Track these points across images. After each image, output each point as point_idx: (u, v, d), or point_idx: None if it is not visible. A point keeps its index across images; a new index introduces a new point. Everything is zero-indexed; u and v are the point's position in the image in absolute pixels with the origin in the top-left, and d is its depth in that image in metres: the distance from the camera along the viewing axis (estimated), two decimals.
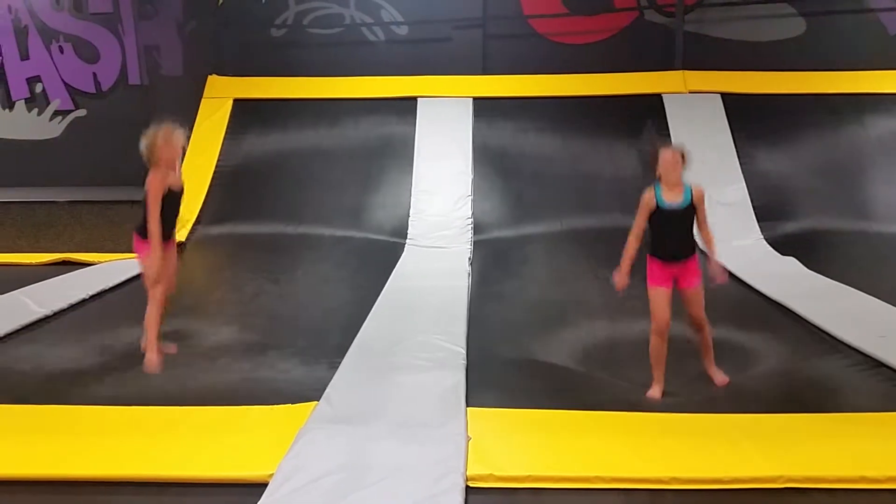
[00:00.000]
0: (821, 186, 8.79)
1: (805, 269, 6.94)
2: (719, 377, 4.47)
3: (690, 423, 3.73)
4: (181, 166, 4.69)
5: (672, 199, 4.28)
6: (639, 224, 4.37)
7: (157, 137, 4.44)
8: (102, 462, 3.34)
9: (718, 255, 4.41)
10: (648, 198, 4.32)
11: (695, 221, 4.34)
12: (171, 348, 4.96)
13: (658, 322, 4.34)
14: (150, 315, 4.69)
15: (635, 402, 4.11)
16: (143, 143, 4.47)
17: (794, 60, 10.01)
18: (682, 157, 4.29)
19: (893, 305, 5.54)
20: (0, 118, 10.26)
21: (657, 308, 4.34)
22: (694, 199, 4.29)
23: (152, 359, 4.66)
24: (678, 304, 4.37)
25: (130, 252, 8.09)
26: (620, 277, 4.36)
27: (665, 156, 4.29)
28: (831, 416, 3.78)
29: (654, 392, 4.33)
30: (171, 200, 4.58)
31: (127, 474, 3.27)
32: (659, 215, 4.29)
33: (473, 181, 9.04)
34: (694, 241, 4.36)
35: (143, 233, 4.62)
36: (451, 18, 10.41)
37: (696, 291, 4.36)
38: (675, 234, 4.32)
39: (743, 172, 8.81)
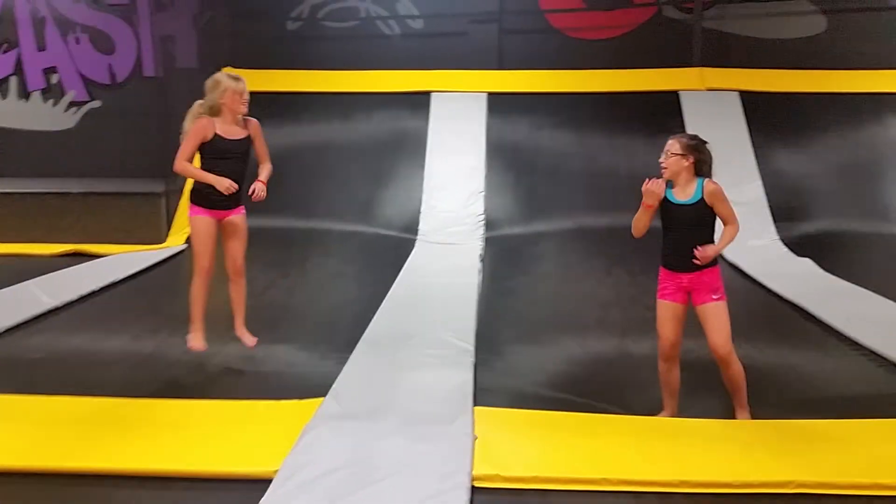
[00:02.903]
0: (838, 187, 8.67)
1: (821, 270, 6.84)
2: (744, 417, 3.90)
3: (700, 426, 3.66)
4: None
5: (681, 196, 3.75)
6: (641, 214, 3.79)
7: (223, 81, 4.24)
8: (106, 455, 3.32)
9: (723, 249, 3.75)
10: (657, 182, 3.73)
11: (712, 226, 3.75)
12: (251, 340, 4.63)
13: (661, 342, 3.83)
14: (193, 289, 4.42)
15: (646, 406, 3.99)
16: (208, 85, 4.25)
17: (813, 58, 9.88)
18: (691, 148, 3.68)
19: None
20: (16, 109, 10.29)
21: (659, 324, 3.83)
22: (705, 196, 3.68)
23: (193, 342, 4.38)
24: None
25: (143, 244, 8.26)
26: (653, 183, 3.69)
27: (671, 147, 3.71)
28: (845, 421, 3.70)
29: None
30: (225, 152, 4.26)
31: (131, 468, 3.25)
32: (666, 210, 3.75)
33: (486, 177, 8.98)
34: None
35: (193, 198, 4.44)
36: (466, 12, 10.34)
37: (711, 310, 3.71)
38: (684, 236, 3.72)
39: (760, 171, 8.71)
